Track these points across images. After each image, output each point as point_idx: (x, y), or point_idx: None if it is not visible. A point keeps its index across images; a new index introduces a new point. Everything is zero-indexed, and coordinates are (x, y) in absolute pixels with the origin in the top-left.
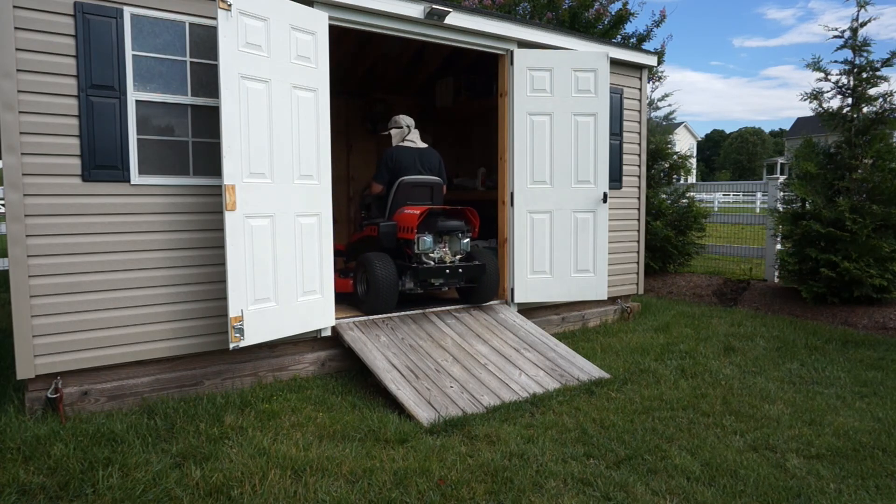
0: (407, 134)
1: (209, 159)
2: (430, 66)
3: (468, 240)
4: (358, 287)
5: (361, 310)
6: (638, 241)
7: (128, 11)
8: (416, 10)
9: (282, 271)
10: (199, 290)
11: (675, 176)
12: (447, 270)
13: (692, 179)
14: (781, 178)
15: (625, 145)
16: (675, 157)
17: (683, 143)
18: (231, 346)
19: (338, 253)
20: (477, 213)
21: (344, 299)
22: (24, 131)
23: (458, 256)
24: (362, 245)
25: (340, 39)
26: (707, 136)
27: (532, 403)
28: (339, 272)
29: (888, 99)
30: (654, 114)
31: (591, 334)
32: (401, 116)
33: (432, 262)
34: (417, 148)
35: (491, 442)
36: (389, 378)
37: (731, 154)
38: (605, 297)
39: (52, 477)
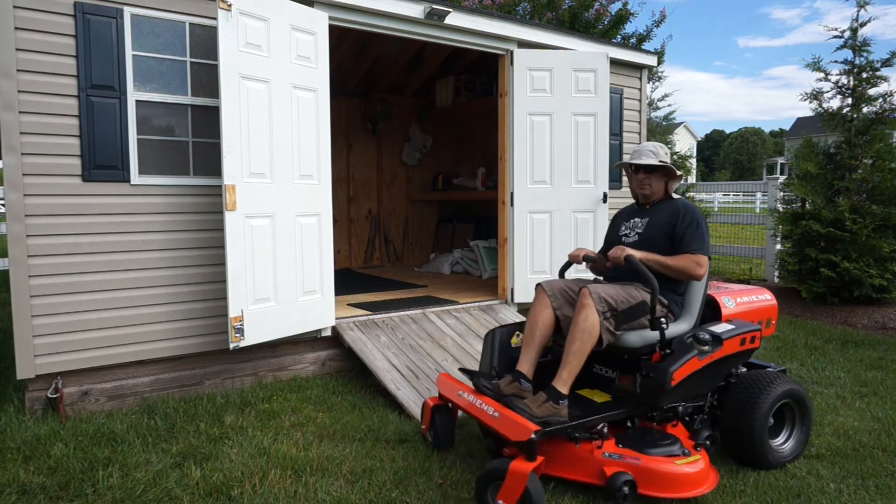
0: None
1: (209, 159)
2: (430, 66)
3: None
4: None
5: None
6: None
7: (128, 11)
8: (417, 10)
9: (282, 271)
10: (199, 289)
11: None
12: None
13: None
14: (781, 178)
15: (625, 145)
16: (674, 157)
17: (683, 143)
18: (231, 346)
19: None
20: None
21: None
22: (24, 131)
23: None
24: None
25: (340, 39)
26: (707, 136)
27: None
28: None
29: (888, 99)
30: (653, 114)
31: None
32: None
33: None
34: None
35: None
36: (389, 378)
37: (730, 154)
38: None
39: (53, 477)
